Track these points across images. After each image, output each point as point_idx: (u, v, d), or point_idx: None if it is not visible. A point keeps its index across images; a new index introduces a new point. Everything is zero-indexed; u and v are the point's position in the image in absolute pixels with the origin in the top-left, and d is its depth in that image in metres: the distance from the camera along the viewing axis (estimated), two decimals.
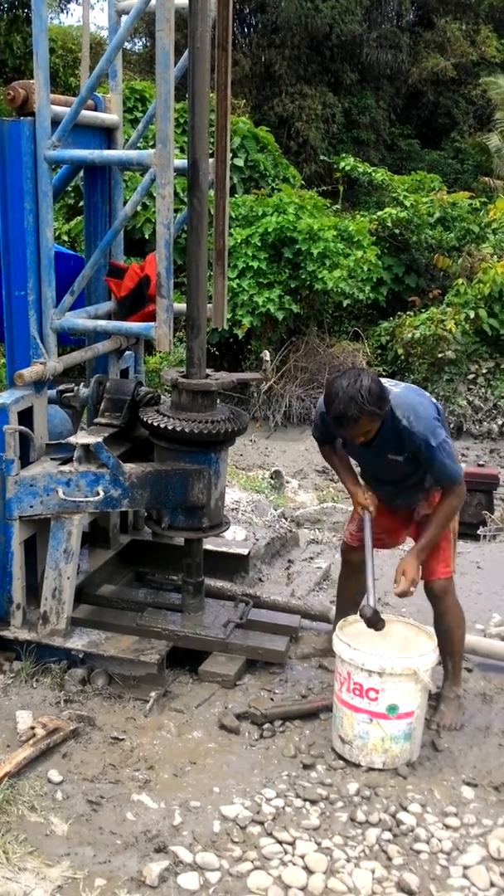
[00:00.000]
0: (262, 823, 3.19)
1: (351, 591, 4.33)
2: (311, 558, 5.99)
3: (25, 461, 4.22)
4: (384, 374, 13.41)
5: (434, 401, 3.85)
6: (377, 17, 25.31)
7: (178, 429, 4.04)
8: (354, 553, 4.26)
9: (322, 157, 20.24)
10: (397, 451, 3.76)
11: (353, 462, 4.13)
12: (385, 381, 3.69)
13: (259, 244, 12.77)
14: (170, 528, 4.28)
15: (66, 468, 4.14)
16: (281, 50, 22.33)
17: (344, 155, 16.85)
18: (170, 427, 4.05)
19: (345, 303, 13.29)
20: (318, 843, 3.11)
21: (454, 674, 4.04)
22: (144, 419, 4.19)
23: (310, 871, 2.98)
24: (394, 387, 3.75)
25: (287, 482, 9.29)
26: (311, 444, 11.51)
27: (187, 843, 3.07)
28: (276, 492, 8.19)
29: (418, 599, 5.18)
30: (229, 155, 4.40)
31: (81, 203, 5.46)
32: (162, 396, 4.62)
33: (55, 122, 4.07)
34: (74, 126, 4.13)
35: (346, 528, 4.37)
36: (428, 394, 3.94)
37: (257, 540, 5.79)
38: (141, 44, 24.28)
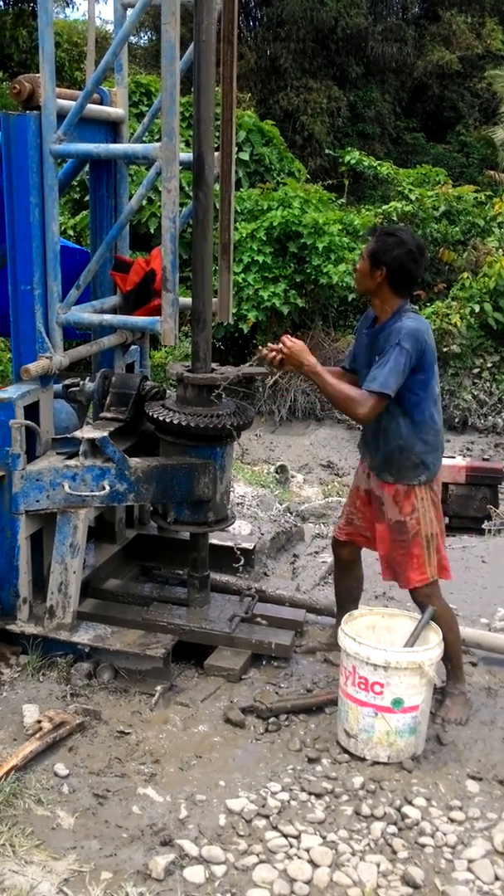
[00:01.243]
0: (267, 817, 3.20)
1: (346, 585, 4.34)
2: (317, 553, 5.99)
3: (31, 456, 4.22)
4: None
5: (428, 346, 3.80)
6: (382, 10, 25.27)
7: (183, 423, 4.04)
8: (343, 548, 4.27)
9: (327, 151, 20.21)
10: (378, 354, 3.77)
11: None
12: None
13: (264, 238, 12.75)
14: (175, 523, 4.28)
15: (71, 462, 4.14)
16: (286, 43, 22.30)
17: (349, 148, 16.81)
18: (175, 421, 4.05)
19: (350, 297, 13.27)
20: (324, 837, 3.12)
21: (455, 673, 4.02)
22: (150, 413, 4.19)
23: (315, 865, 2.98)
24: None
25: (292, 477, 9.30)
26: (316, 439, 11.51)
27: (193, 836, 3.08)
28: (281, 486, 8.20)
29: None
30: (234, 149, 4.39)
31: (87, 197, 5.46)
32: (167, 391, 4.61)
33: (61, 116, 4.07)
34: (80, 120, 4.13)
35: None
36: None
37: (262, 534, 5.80)
38: (147, 38, 24.29)
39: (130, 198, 4.71)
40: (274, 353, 3.78)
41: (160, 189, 3.92)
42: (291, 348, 3.73)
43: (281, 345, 3.76)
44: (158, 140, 3.94)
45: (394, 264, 3.72)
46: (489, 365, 12.80)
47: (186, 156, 4.25)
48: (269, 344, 3.85)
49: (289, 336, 3.80)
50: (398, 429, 3.83)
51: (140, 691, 3.97)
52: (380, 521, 4.01)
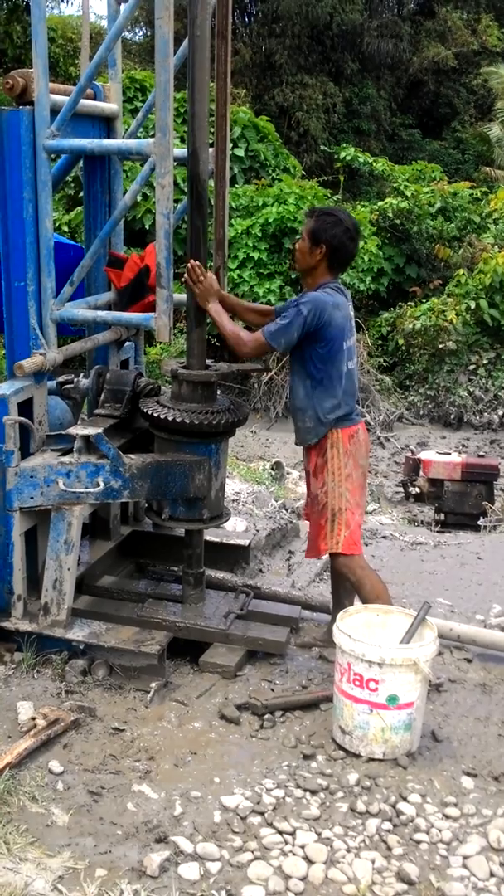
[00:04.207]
0: (262, 814, 3.19)
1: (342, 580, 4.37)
2: None
3: (26, 452, 4.21)
4: (385, 364, 13.42)
5: (343, 316, 3.96)
6: (378, 6, 25.23)
7: (178, 420, 4.03)
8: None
9: (323, 148, 20.17)
10: None
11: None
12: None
13: (260, 235, 12.73)
14: (170, 520, 4.28)
15: (66, 459, 4.13)
16: (281, 39, 22.25)
17: (345, 145, 16.80)
18: (170, 418, 4.05)
19: None
20: (319, 834, 3.12)
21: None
22: (145, 410, 4.18)
23: (310, 862, 2.98)
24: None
25: (288, 473, 9.29)
26: None
27: (188, 833, 3.07)
28: (276, 483, 8.20)
29: (420, 591, 5.21)
30: (229, 145, 4.38)
31: (81, 193, 5.45)
32: (162, 387, 4.61)
33: (54, 112, 4.06)
34: (74, 115, 4.11)
35: None
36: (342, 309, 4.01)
37: (258, 531, 5.79)
38: (141, 33, 24.22)
39: (125, 194, 4.69)
40: (188, 282, 4.04)
41: (154, 185, 3.91)
42: (201, 289, 4.01)
43: (192, 274, 4.01)
44: (153, 136, 3.93)
45: (333, 241, 3.97)
46: (485, 361, 12.82)
47: (181, 151, 4.24)
48: (189, 269, 4.02)
49: (199, 267, 4.01)
50: (297, 390, 4.11)
51: (135, 688, 3.96)
52: (308, 494, 4.29)
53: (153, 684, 3.92)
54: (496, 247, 13.71)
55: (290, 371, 4.17)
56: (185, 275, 4.03)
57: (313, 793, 3.33)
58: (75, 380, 4.62)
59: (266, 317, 4.29)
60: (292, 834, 3.10)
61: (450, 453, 9.63)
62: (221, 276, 4.41)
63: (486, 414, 12.52)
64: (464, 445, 11.76)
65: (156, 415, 4.09)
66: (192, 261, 4.01)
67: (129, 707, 3.85)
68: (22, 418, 4.11)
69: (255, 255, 12.62)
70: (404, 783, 3.43)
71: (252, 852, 3.01)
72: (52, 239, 4.21)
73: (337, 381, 4.00)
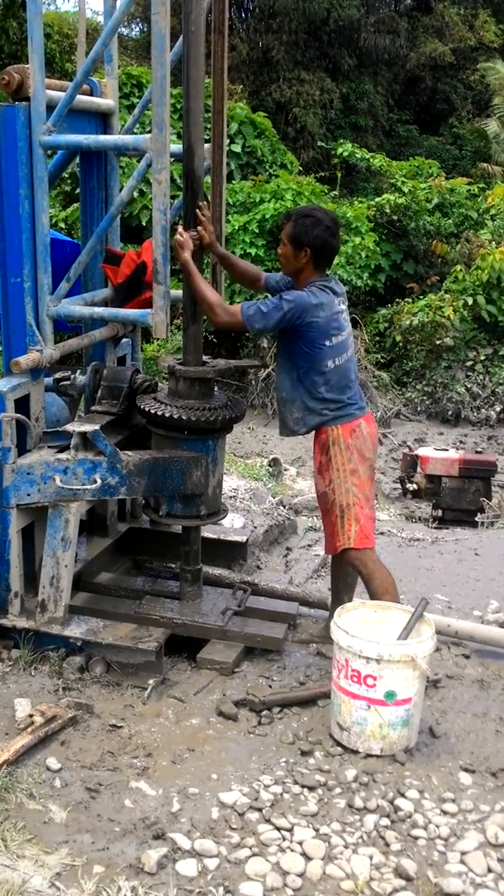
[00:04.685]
0: (260, 810, 3.19)
1: (342, 573, 4.36)
2: (310, 546, 5.99)
3: (22, 449, 4.20)
4: (382, 360, 13.42)
5: (327, 314, 3.94)
6: (375, 1, 25.20)
7: (175, 416, 4.03)
8: None
9: (320, 143, 20.15)
10: None
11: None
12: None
13: (257, 231, 12.72)
14: (167, 516, 4.28)
15: (63, 456, 4.13)
16: (278, 35, 22.22)
17: (342, 141, 16.79)
18: (167, 414, 4.04)
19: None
20: (316, 830, 3.12)
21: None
22: (141, 407, 4.18)
23: (308, 858, 2.98)
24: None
25: (285, 470, 9.29)
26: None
27: (186, 829, 3.07)
28: (274, 479, 8.19)
29: (417, 587, 5.21)
30: (226, 141, 4.37)
31: (78, 190, 5.43)
32: (159, 384, 4.60)
33: (50, 108, 4.04)
34: (70, 111, 4.10)
35: None
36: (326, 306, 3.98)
37: (255, 527, 5.79)
38: (138, 29, 24.19)
39: (121, 190, 4.69)
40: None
41: (151, 181, 3.90)
42: (176, 243, 3.98)
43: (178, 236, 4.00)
44: (149, 132, 3.91)
45: (316, 242, 3.96)
46: (482, 358, 12.82)
47: (177, 147, 4.22)
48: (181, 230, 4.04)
49: (182, 231, 4.01)
50: (283, 381, 4.11)
51: (132, 685, 3.96)
52: (318, 492, 4.28)
53: (151, 681, 3.92)
54: (493, 243, 13.71)
55: (277, 363, 4.18)
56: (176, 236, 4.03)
57: (311, 789, 3.33)
58: (72, 376, 4.61)
59: (255, 283, 4.37)
60: (290, 830, 3.10)
61: (447, 449, 9.64)
62: (218, 273, 4.41)
63: (483, 410, 12.52)
64: (461, 442, 11.76)
65: (153, 411, 4.09)
66: (179, 228, 4.04)
67: (127, 704, 3.85)
68: (18, 415, 4.10)
69: (252, 251, 12.60)
70: (402, 779, 3.43)
71: (250, 848, 3.01)
72: (49, 235, 4.19)
73: (320, 377, 3.99)
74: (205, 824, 3.11)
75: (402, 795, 3.32)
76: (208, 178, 4.30)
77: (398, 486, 9.70)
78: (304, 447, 11.09)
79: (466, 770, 3.52)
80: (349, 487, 4.04)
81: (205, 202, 4.10)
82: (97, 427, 4.10)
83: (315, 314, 3.89)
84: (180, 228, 4.03)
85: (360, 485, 4.06)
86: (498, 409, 12.46)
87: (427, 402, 12.79)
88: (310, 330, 3.90)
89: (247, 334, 12.93)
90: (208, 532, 4.89)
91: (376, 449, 4.26)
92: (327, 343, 3.95)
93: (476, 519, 8.34)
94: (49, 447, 4.28)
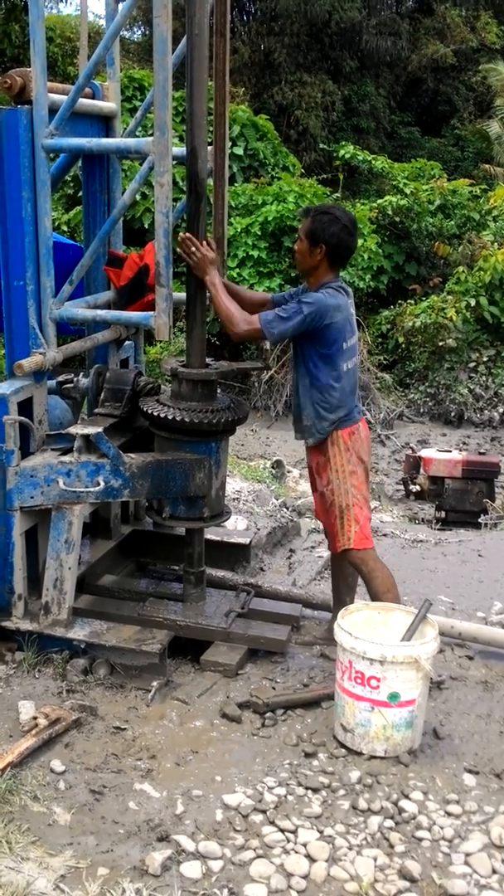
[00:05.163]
0: (264, 812, 3.19)
1: (342, 574, 4.37)
2: (313, 547, 5.99)
3: (26, 452, 4.21)
4: (385, 362, 13.41)
5: (343, 323, 3.96)
6: (376, 3, 25.19)
7: (178, 418, 4.03)
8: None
9: (322, 146, 20.13)
10: None
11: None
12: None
13: (259, 233, 12.72)
14: (171, 518, 4.28)
15: (66, 458, 4.13)
16: (280, 38, 22.22)
17: (344, 143, 16.77)
18: (170, 417, 4.05)
19: None
20: (321, 831, 3.12)
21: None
22: (144, 409, 4.18)
23: (312, 859, 2.98)
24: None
25: (288, 472, 9.29)
26: None
27: (190, 831, 3.07)
28: (277, 481, 8.19)
29: (421, 589, 5.20)
30: (228, 143, 4.38)
31: (80, 193, 5.45)
32: (162, 386, 4.61)
33: (53, 111, 4.05)
34: (72, 114, 4.11)
35: None
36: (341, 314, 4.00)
37: (259, 529, 5.79)
38: (140, 32, 24.20)
39: (123, 192, 4.69)
40: (183, 254, 4.02)
41: (153, 184, 3.91)
42: (197, 259, 3.98)
43: (189, 248, 3.99)
44: (151, 135, 3.92)
45: (332, 240, 3.97)
46: (485, 359, 12.80)
47: (180, 150, 4.23)
48: (182, 240, 4.02)
49: (193, 241, 3.99)
50: (297, 388, 4.14)
51: (136, 687, 3.97)
52: (314, 492, 4.29)
53: (154, 683, 3.92)
54: (496, 244, 13.70)
55: (292, 369, 4.19)
56: (179, 248, 4.02)
57: (315, 791, 3.33)
58: (75, 379, 4.62)
59: (262, 306, 4.27)
60: (294, 832, 3.11)
61: (450, 451, 9.63)
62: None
63: (486, 411, 12.50)
64: (464, 443, 11.75)
65: (156, 414, 4.09)
66: (183, 234, 4.02)
67: (131, 706, 3.85)
68: (22, 418, 4.10)
69: (255, 253, 12.60)
70: (406, 781, 3.43)
71: (254, 850, 3.01)
72: (52, 238, 4.20)
73: (335, 381, 4.00)
74: (209, 826, 3.11)
75: (406, 797, 3.32)
76: (210, 181, 4.31)
77: (401, 487, 9.70)
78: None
79: (470, 771, 3.51)
80: (348, 488, 4.05)
81: (210, 239, 4.11)
82: (100, 429, 4.11)
83: (333, 316, 3.92)
84: (204, 242, 4.02)
85: (359, 486, 4.08)
86: (501, 410, 12.44)
87: (430, 404, 12.77)
88: (329, 330, 3.93)
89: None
90: (211, 534, 4.89)
91: (371, 452, 4.28)
92: (344, 345, 3.99)
93: (479, 520, 8.34)
94: (52, 450, 4.28)
